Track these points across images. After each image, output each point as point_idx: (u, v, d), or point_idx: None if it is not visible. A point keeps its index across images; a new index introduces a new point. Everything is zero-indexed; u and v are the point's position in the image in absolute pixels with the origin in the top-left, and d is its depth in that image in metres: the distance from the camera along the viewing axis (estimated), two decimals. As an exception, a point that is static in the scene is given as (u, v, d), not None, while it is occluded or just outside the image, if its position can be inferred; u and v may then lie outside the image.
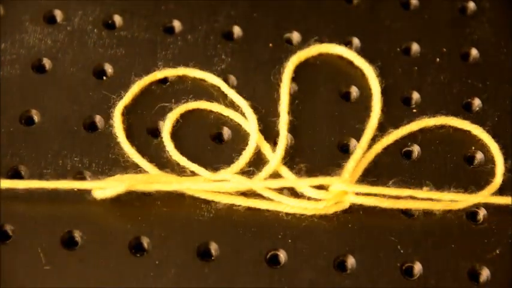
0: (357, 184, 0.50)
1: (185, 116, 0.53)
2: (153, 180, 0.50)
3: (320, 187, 0.50)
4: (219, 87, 0.54)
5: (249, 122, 0.53)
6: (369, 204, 0.49)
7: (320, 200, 0.49)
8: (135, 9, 0.58)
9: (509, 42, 0.58)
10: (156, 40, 0.57)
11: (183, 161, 0.51)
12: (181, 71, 0.55)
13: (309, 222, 0.49)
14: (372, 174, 0.51)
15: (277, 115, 0.53)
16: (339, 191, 0.49)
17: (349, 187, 0.49)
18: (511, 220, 0.50)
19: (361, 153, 0.52)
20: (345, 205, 0.49)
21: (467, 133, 0.53)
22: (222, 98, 0.54)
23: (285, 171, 0.51)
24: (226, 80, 0.55)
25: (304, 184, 0.50)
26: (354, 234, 0.49)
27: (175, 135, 0.52)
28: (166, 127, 0.52)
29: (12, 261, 0.48)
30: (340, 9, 0.59)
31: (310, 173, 0.51)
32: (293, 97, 0.54)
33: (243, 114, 0.53)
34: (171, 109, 0.53)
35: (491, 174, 0.51)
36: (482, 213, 0.50)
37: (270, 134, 0.53)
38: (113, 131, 0.52)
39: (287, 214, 0.49)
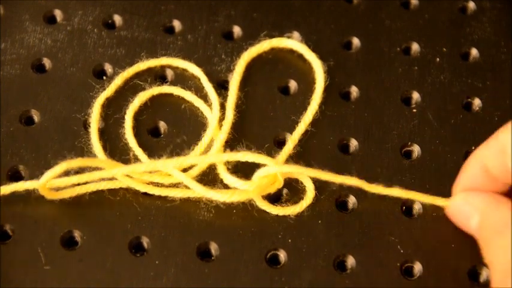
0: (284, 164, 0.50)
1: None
2: (87, 163, 0.49)
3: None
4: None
5: (212, 117, 0.53)
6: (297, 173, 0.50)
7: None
8: (135, 9, 0.58)
9: (509, 42, 0.58)
10: (156, 40, 0.57)
11: (132, 142, 0.51)
12: (164, 61, 0.55)
13: (309, 222, 0.49)
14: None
15: (276, 117, 0.54)
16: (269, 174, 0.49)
17: (279, 167, 0.49)
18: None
19: (292, 145, 0.52)
20: (279, 184, 0.50)
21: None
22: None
23: (221, 167, 0.51)
24: (226, 80, 0.55)
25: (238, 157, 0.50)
26: (354, 234, 0.49)
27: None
28: (133, 105, 0.53)
29: (12, 261, 0.48)
30: (340, 9, 0.59)
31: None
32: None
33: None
34: (171, 110, 0.53)
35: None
36: (482, 213, 0.50)
37: (268, 135, 0.53)
38: (88, 120, 0.52)
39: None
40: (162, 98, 0.54)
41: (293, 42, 0.56)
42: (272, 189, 0.50)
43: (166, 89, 0.54)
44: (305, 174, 0.50)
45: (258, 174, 0.49)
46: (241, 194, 0.49)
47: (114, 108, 0.53)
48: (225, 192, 0.49)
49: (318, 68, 0.55)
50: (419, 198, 0.50)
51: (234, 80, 0.54)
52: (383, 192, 0.50)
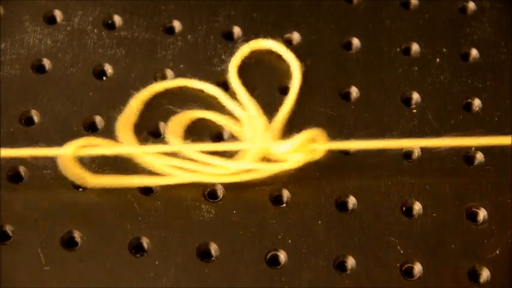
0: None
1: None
2: (109, 145, 0.50)
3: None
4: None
5: (246, 130, 0.52)
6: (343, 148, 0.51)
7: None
8: (135, 9, 0.58)
9: (509, 42, 0.58)
10: (156, 40, 0.57)
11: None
12: (179, 81, 0.54)
13: (309, 223, 0.50)
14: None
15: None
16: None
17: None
18: (511, 220, 0.50)
19: None
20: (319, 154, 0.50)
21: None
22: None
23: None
24: (226, 81, 0.55)
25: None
26: (354, 234, 0.49)
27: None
28: (169, 129, 0.52)
29: (12, 261, 0.48)
30: (340, 9, 0.59)
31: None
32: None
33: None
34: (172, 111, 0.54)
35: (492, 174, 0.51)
36: (482, 213, 0.50)
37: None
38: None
39: (289, 215, 0.50)
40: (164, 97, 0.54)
41: (271, 43, 0.56)
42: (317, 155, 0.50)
43: (199, 113, 0.53)
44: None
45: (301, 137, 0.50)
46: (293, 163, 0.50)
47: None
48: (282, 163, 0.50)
49: (296, 70, 0.55)
50: None
51: (240, 89, 0.54)
52: None
